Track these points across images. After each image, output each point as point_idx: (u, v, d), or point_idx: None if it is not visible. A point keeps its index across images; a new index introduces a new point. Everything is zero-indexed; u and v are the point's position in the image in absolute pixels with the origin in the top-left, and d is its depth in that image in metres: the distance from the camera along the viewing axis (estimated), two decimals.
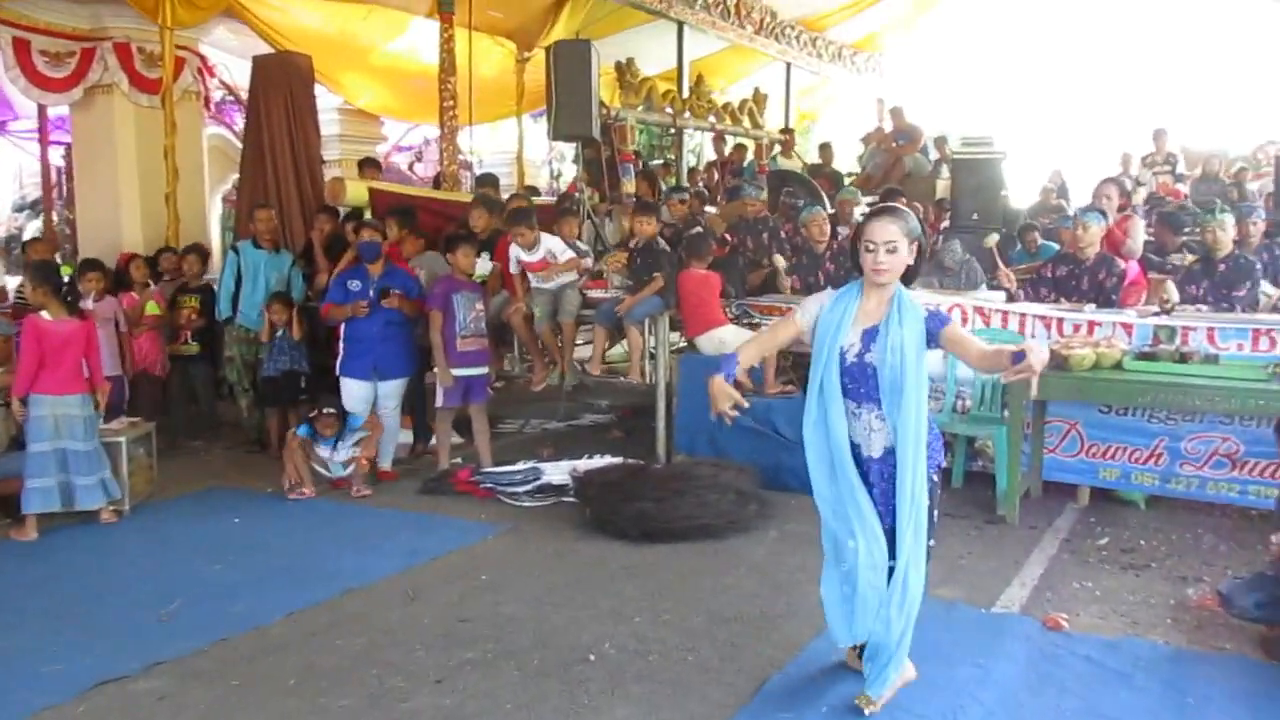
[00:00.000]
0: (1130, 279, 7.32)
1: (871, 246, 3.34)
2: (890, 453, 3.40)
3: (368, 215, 7.75)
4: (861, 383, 3.39)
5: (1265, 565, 4.42)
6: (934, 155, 13.28)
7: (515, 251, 6.86)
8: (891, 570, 3.41)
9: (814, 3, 13.73)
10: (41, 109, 10.46)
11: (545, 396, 8.37)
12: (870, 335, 3.37)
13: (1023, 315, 6.28)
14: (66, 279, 5.81)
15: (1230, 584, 4.28)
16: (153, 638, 4.17)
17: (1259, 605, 4.10)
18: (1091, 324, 6.03)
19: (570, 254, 6.91)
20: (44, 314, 5.66)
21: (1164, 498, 5.95)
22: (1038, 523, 5.72)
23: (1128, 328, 5.96)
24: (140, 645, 4.08)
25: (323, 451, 6.42)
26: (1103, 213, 6.90)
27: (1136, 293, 7.25)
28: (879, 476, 3.45)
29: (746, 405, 3.60)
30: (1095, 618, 4.42)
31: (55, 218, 11.04)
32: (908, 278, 3.45)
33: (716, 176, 12.86)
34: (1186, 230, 8.56)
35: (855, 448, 3.46)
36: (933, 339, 3.35)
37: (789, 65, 14.05)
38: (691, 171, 13.02)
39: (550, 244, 6.87)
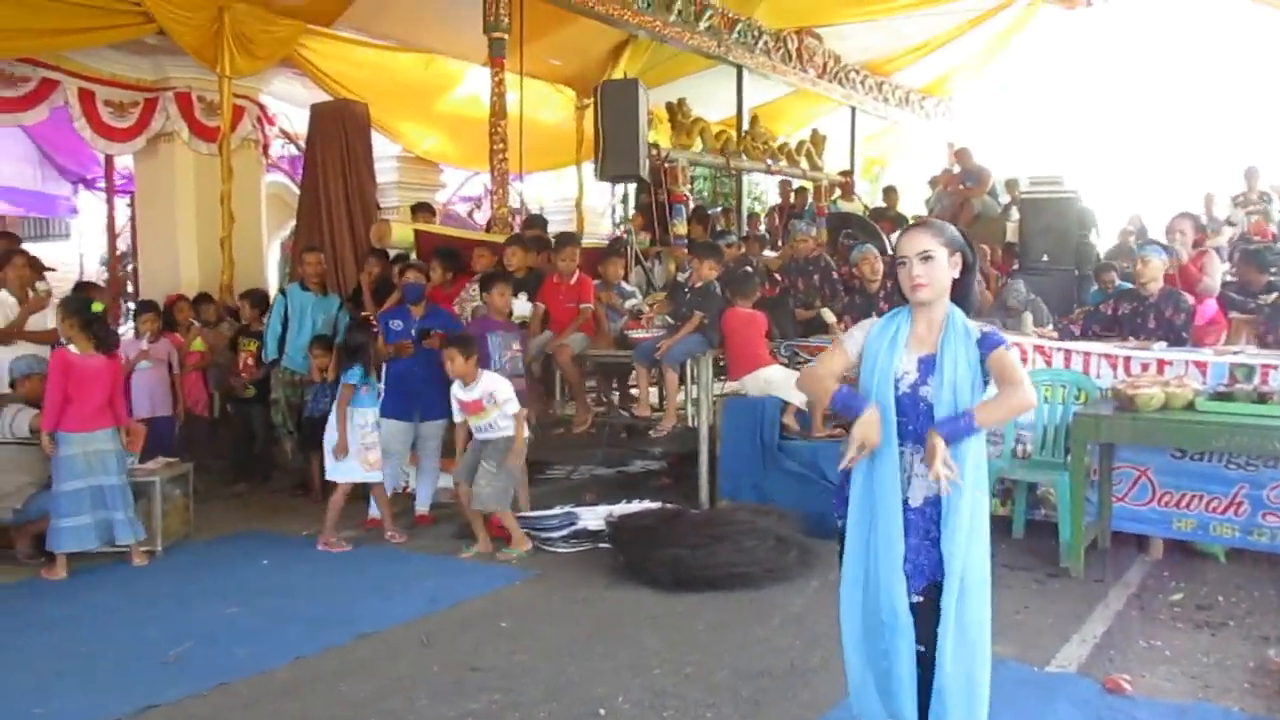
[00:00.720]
0: (1208, 318, 6.91)
1: (904, 260, 2.94)
2: (931, 503, 2.93)
3: (413, 257, 7.70)
4: (911, 418, 2.93)
5: None
6: (1004, 198, 12.90)
7: (454, 387, 5.90)
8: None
9: (879, 46, 13.56)
10: (108, 159, 10.74)
11: (594, 442, 8.20)
12: (928, 365, 2.94)
13: (1086, 354, 5.90)
14: (96, 314, 5.78)
15: None
16: (153, 681, 4.04)
17: None
18: (1161, 362, 5.64)
19: (515, 406, 5.83)
20: (71, 348, 5.66)
21: (1246, 551, 5.48)
22: (1104, 576, 5.30)
23: (1201, 366, 5.55)
24: (139, 688, 3.95)
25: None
26: (1166, 247, 6.51)
27: (1215, 333, 6.83)
28: (915, 529, 2.96)
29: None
30: (1162, 679, 4.02)
31: (120, 265, 11.30)
32: (962, 301, 3.01)
33: (778, 221, 12.65)
34: (1274, 271, 8.09)
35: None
36: (985, 368, 2.93)
37: (854, 110, 13.86)
38: (752, 216, 12.84)
39: (492, 386, 5.81)
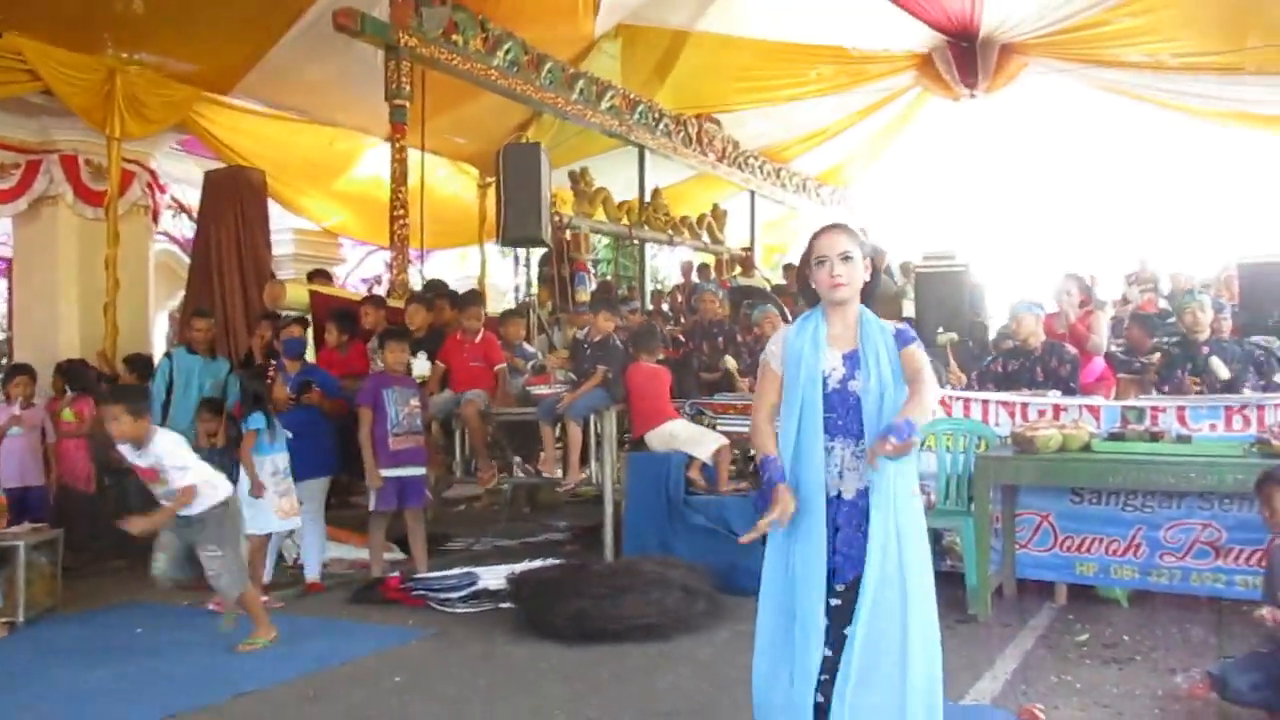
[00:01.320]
0: (1096, 375, 7.10)
1: (823, 259, 2.95)
2: (863, 494, 2.94)
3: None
4: (840, 413, 2.94)
5: (1257, 643, 3.99)
6: (899, 280, 13.26)
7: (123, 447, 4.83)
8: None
9: (773, 134, 14.00)
10: None
11: (495, 515, 8.01)
12: (852, 360, 2.95)
13: (985, 402, 5.98)
14: None
15: (1223, 665, 3.86)
16: None
17: (1255, 687, 3.67)
18: (1056, 408, 5.73)
19: (186, 483, 4.78)
20: None
21: (1147, 593, 5.52)
22: (1012, 621, 5.27)
23: (1094, 411, 5.66)
24: None
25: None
26: (1040, 305, 6.75)
27: (1104, 389, 7.02)
28: (847, 520, 2.94)
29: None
30: (1076, 709, 3.96)
31: None
32: (868, 303, 3.05)
33: (679, 299, 12.75)
34: (1159, 336, 8.44)
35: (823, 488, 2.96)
36: (900, 361, 2.96)
37: (753, 194, 14.19)
38: (656, 294, 12.92)
39: (162, 450, 4.78)
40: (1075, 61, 11.82)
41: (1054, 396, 5.92)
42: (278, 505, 5.87)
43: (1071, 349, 6.48)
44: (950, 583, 5.73)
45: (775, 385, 3.07)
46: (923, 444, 5.90)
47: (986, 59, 12.17)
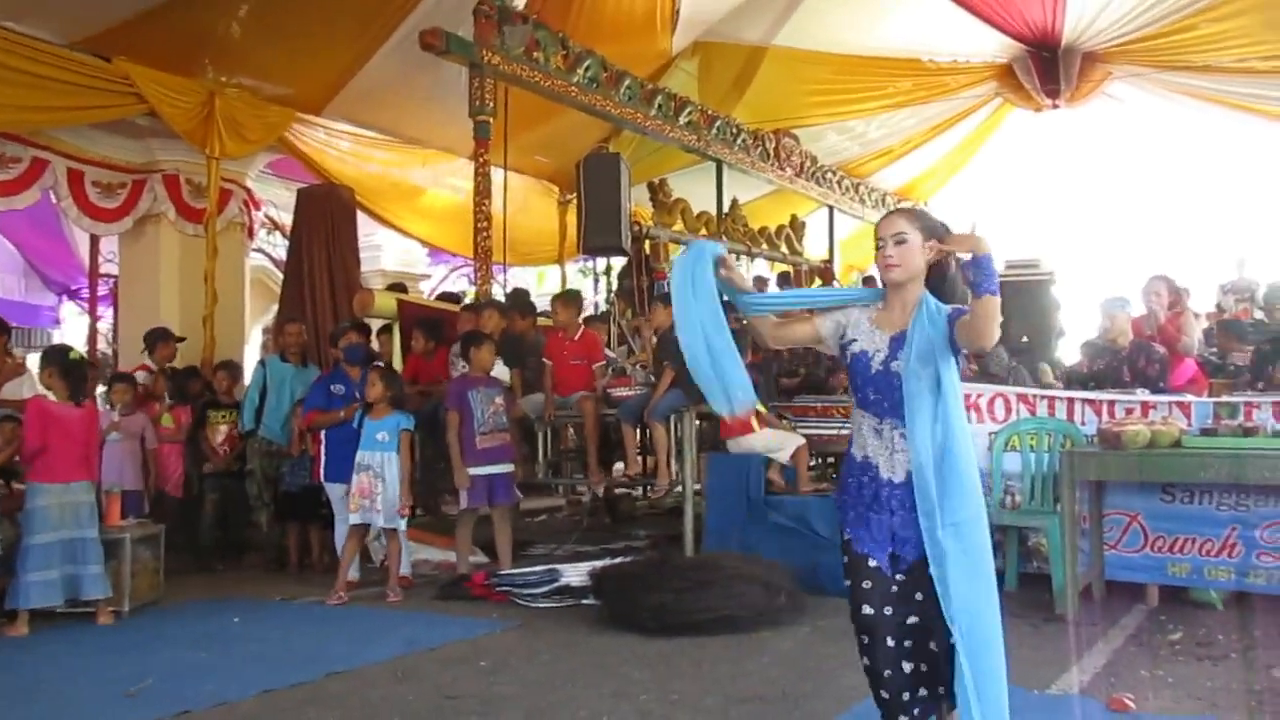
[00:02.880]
0: (1188, 377, 6.94)
1: (880, 243, 2.99)
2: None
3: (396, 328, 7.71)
4: (886, 395, 2.96)
5: None
6: None
7: None
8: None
9: (850, 149, 13.97)
10: (92, 269, 10.78)
11: (575, 526, 8.12)
12: (899, 342, 2.96)
13: (1070, 400, 5.89)
14: (75, 362, 5.70)
15: None
16: (112, 709, 3.83)
17: None
18: (1145, 405, 5.62)
19: None
20: (50, 396, 5.56)
21: (1244, 594, 5.36)
22: (1100, 621, 5.16)
23: (1185, 408, 5.55)
24: (96, 716, 3.74)
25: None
26: (1128, 302, 6.62)
27: (1196, 392, 6.84)
28: (900, 504, 2.93)
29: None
30: (1168, 701, 3.88)
31: (102, 346, 11.22)
32: (939, 285, 3.00)
33: None
34: (1250, 342, 8.22)
35: (873, 468, 2.99)
36: (952, 333, 2.87)
37: (831, 210, 14.15)
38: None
39: None
40: (1160, 68, 11.60)
41: (1142, 394, 5.80)
42: (354, 497, 6.05)
43: (1160, 349, 6.35)
44: (1036, 584, 5.68)
45: (805, 328, 3.13)
46: (1007, 444, 5.88)
47: (1069, 68, 12.00)
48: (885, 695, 2.90)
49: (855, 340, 3.04)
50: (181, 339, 8.18)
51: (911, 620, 2.87)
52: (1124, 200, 15.91)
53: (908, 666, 2.88)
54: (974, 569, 2.80)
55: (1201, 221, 15.84)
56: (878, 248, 3.02)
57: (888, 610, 2.87)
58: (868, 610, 2.89)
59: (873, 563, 2.91)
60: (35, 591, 5.33)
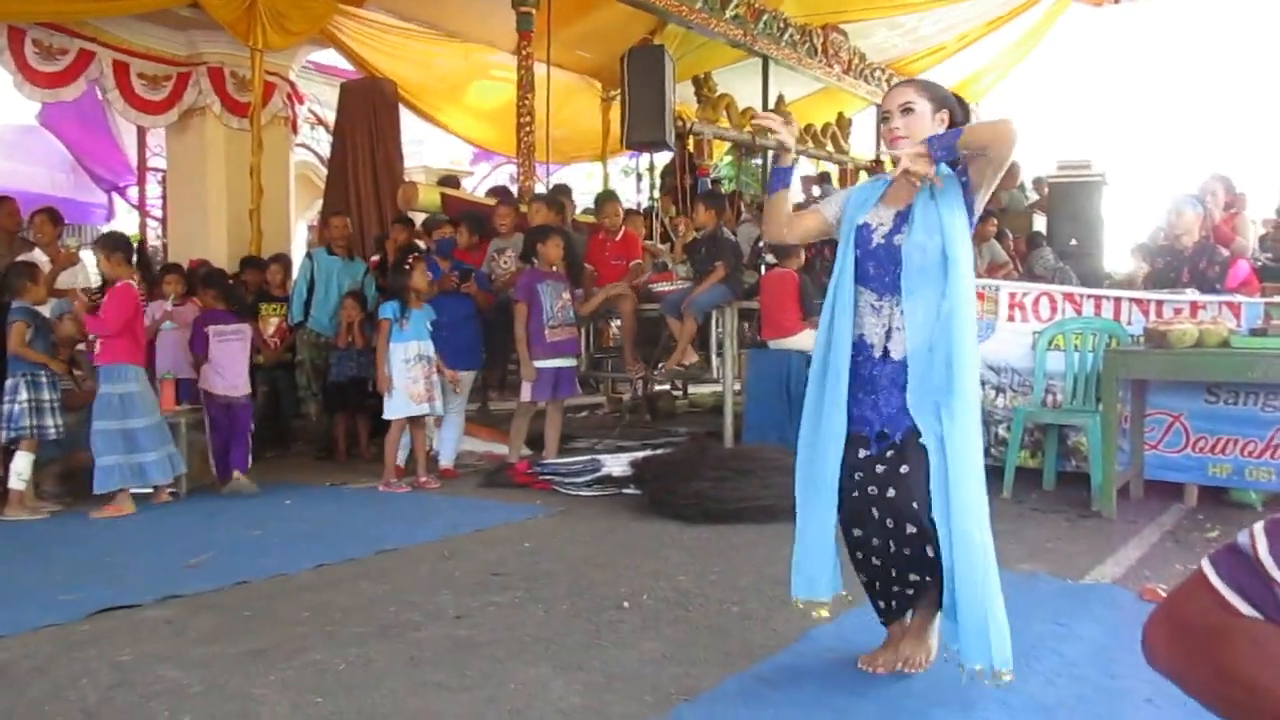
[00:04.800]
0: (1241, 279, 6.79)
1: (886, 114, 2.87)
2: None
3: None
4: (887, 269, 2.83)
5: None
6: (1033, 196, 12.84)
7: None
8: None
9: (901, 46, 13.58)
10: (141, 167, 10.87)
11: (616, 422, 8.21)
12: (904, 216, 2.84)
13: (1116, 300, 5.83)
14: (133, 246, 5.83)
15: None
16: (174, 579, 4.02)
17: None
18: (1194, 305, 5.55)
19: None
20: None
21: None
22: (1138, 519, 5.18)
23: (1234, 309, 5.47)
24: (159, 584, 3.92)
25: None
26: (1200, 201, 6.43)
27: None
28: (891, 382, 2.85)
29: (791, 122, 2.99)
30: None
31: (153, 241, 11.41)
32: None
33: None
34: None
35: (868, 348, 2.88)
36: (961, 170, 2.80)
37: (879, 109, 13.84)
38: None
39: None
40: None
41: (1191, 294, 5.72)
42: (411, 390, 6.13)
43: (1224, 250, 6.22)
44: (1074, 483, 5.70)
45: (814, 221, 3.08)
46: (1050, 343, 5.84)
47: None
48: (865, 578, 2.99)
49: (858, 213, 2.94)
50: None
51: (890, 494, 2.82)
52: (1183, 102, 15.43)
53: (891, 546, 2.87)
54: (964, 456, 2.73)
55: (1263, 125, 15.34)
56: (882, 120, 2.92)
57: (872, 489, 2.86)
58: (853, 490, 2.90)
59: (864, 436, 2.88)
60: (117, 474, 5.49)
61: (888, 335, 2.87)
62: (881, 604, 3.04)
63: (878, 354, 2.87)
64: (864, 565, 3.01)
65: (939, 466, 2.74)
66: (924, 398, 2.78)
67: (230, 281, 7.30)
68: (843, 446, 2.89)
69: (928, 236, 2.77)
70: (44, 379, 5.55)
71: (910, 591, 2.95)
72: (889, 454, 2.85)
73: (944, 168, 2.80)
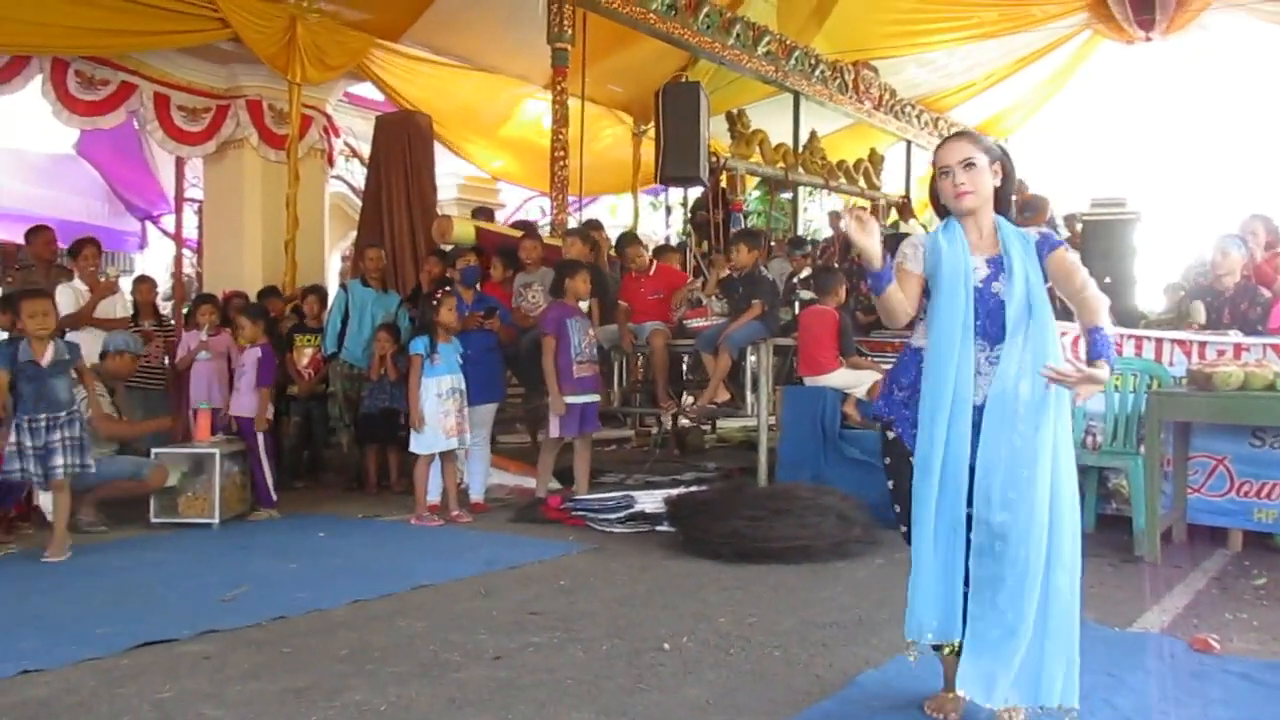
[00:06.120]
0: None
1: (946, 169, 2.88)
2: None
3: None
4: (980, 315, 2.86)
5: None
6: (1065, 233, 12.77)
7: None
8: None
9: (931, 82, 13.64)
10: (178, 197, 10.98)
11: (647, 456, 8.18)
12: (996, 263, 2.87)
13: (1159, 341, 5.76)
14: None
15: None
16: (212, 613, 4.00)
17: None
18: (1238, 347, 5.48)
19: None
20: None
21: None
22: (1183, 564, 5.09)
23: (1279, 350, 5.38)
24: (197, 618, 3.91)
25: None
26: (1244, 240, 6.37)
27: None
28: (977, 426, 2.84)
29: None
30: (1253, 644, 3.82)
31: (188, 270, 11.52)
32: (1001, 211, 2.95)
33: (834, 249, 12.61)
34: None
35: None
36: (1043, 266, 2.86)
37: (909, 144, 13.87)
38: (813, 244, 12.82)
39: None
40: None
41: (1235, 335, 5.65)
42: (443, 425, 6.12)
43: (1266, 291, 6.14)
44: (1116, 526, 5.61)
45: (915, 285, 2.95)
46: None
47: None
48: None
49: (946, 256, 2.90)
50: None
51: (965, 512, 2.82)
52: (1216, 139, 15.35)
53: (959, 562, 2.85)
54: (1061, 483, 2.78)
55: None
56: (943, 175, 2.92)
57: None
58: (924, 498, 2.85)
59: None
60: None
61: (974, 381, 2.87)
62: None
63: (975, 402, 2.87)
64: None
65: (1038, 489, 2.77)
66: (1012, 427, 2.80)
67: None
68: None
69: (1025, 286, 2.82)
70: (42, 422, 5.13)
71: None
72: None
73: (1028, 237, 2.89)
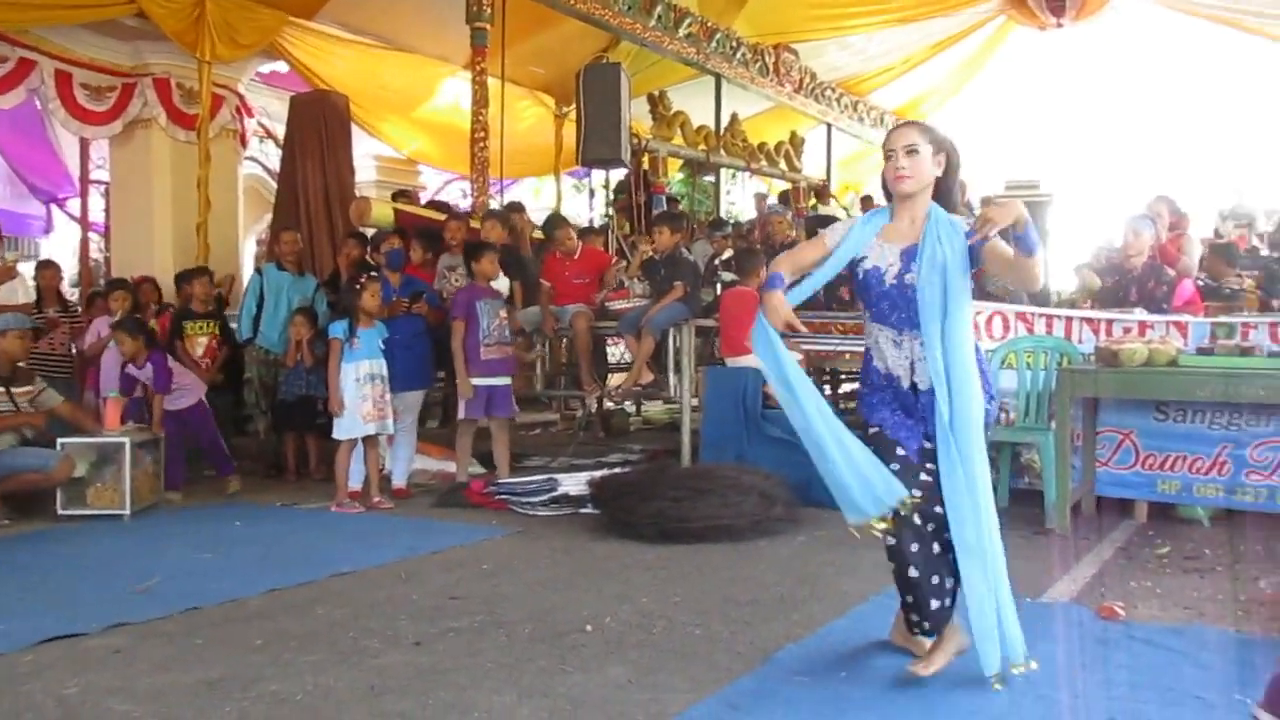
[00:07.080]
0: (1185, 298, 6.94)
1: (890, 152, 3.07)
2: (930, 391, 3.06)
3: None
4: (902, 307, 3.04)
5: None
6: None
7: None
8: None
9: (850, 65, 13.77)
10: (83, 179, 10.59)
11: (570, 439, 8.16)
12: (911, 254, 3.03)
13: (1068, 319, 5.92)
14: None
15: None
16: (121, 606, 3.89)
17: None
18: (1142, 325, 5.65)
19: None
20: None
21: (1231, 512, 5.46)
22: (1090, 535, 5.25)
23: (1181, 328, 5.58)
24: (106, 611, 3.80)
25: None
26: (1152, 220, 6.57)
27: (1194, 313, 6.87)
28: (928, 409, 3.06)
29: (801, 328, 3.21)
30: (1156, 609, 3.97)
31: (95, 255, 11.14)
32: (943, 200, 3.11)
33: (757, 234, 12.69)
34: (1239, 269, 8.22)
35: (896, 379, 3.12)
36: (975, 256, 3.01)
37: (830, 127, 14.00)
38: (735, 224, 12.89)
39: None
40: None
41: (1140, 314, 5.83)
42: (361, 410, 6.02)
43: (1171, 271, 6.35)
44: (1028, 500, 5.75)
45: (817, 251, 3.18)
46: (1003, 362, 5.91)
47: None
48: (914, 574, 3.03)
49: (865, 257, 3.12)
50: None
51: (937, 509, 3.00)
52: (1125, 122, 15.76)
53: (935, 548, 3.03)
54: (971, 476, 2.98)
55: (1202, 147, 15.73)
56: (887, 158, 3.10)
57: (916, 492, 2.99)
58: None
59: (901, 450, 3.05)
60: None
61: (913, 367, 3.08)
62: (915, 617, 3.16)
63: (905, 386, 3.10)
64: (909, 560, 3.06)
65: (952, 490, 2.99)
66: (943, 421, 2.99)
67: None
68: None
69: (933, 273, 2.97)
70: None
71: (948, 599, 3.10)
72: (932, 467, 3.03)
73: (959, 223, 3.04)
